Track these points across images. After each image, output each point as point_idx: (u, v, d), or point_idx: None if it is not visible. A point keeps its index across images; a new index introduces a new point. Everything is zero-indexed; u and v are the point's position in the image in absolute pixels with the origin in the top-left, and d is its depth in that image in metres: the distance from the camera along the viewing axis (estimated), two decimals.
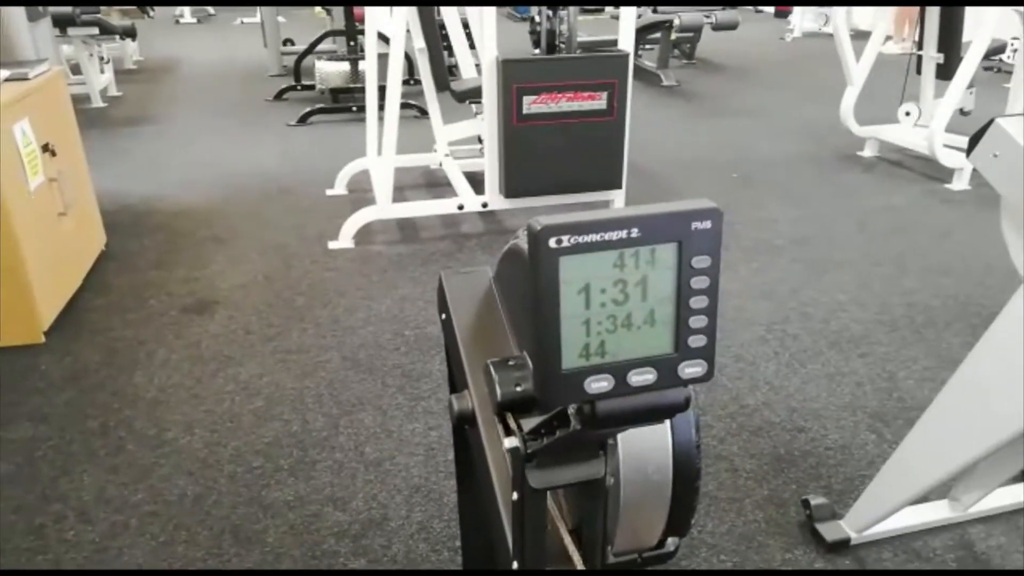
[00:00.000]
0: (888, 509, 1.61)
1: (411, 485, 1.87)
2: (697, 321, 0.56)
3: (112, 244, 3.27)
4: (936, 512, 1.76)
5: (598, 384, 0.55)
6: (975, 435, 1.43)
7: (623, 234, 0.52)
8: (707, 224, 0.53)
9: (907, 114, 4.40)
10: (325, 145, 4.89)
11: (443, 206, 3.46)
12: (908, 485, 1.55)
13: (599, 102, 3.13)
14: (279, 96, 6.12)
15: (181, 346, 2.51)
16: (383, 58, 3.55)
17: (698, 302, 0.55)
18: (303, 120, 5.38)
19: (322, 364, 2.40)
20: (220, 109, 5.85)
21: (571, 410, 0.61)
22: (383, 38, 3.89)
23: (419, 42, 3.59)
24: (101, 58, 6.16)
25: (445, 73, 3.69)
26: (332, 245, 3.32)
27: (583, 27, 3.81)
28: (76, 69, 5.94)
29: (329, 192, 4.00)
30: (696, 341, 0.56)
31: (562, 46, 3.82)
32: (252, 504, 1.80)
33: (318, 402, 2.20)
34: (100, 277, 3.00)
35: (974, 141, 1.43)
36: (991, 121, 1.39)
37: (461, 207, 3.40)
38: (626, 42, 3.21)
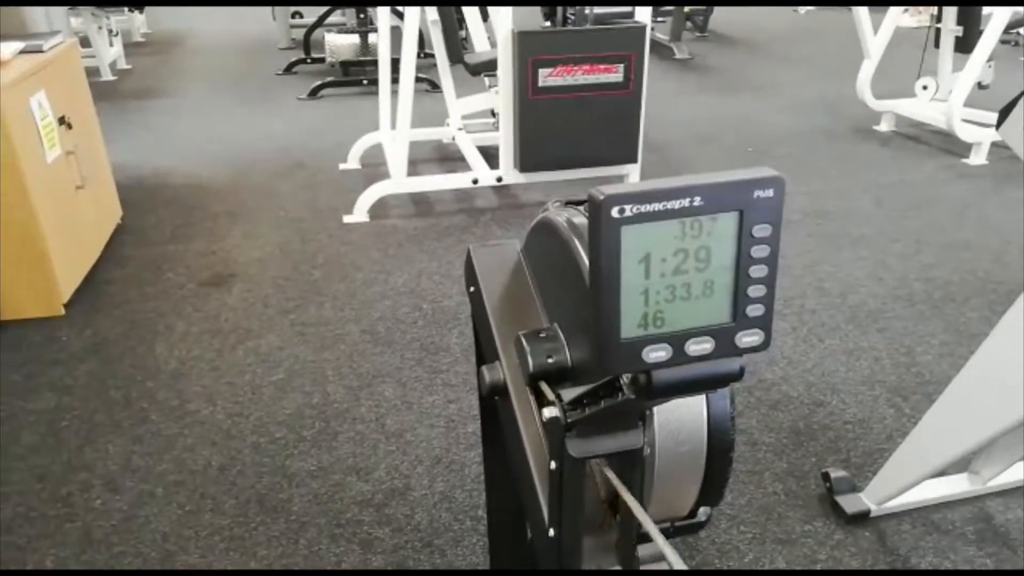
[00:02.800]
0: (908, 482, 1.62)
1: (432, 456, 1.88)
2: (756, 290, 0.55)
3: (128, 217, 3.28)
4: (955, 485, 1.77)
5: (656, 353, 0.55)
6: (997, 410, 1.44)
7: (685, 203, 0.52)
8: (769, 192, 0.53)
9: (924, 88, 4.34)
10: (336, 119, 4.86)
11: (457, 180, 3.45)
12: (929, 458, 1.56)
13: (615, 75, 3.10)
14: (289, 69, 6.08)
15: (200, 319, 2.53)
16: (395, 31, 3.52)
17: (757, 271, 0.55)
18: (314, 94, 5.36)
19: (341, 337, 2.42)
20: (230, 82, 5.82)
21: (625, 379, 0.61)
22: (396, 11, 3.86)
23: (432, 14, 3.56)
24: (110, 31, 6.13)
25: (459, 46, 3.66)
26: (347, 219, 3.32)
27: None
28: (85, 42, 5.90)
29: (342, 166, 3.99)
30: (754, 311, 0.56)
31: (572, 18, 3.78)
32: (276, 474, 1.83)
33: (338, 374, 2.22)
34: (117, 250, 3.01)
35: (1004, 113, 1.42)
36: (1022, 94, 1.37)
37: (475, 181, 3.39)
38: (643, 14, 3.17)
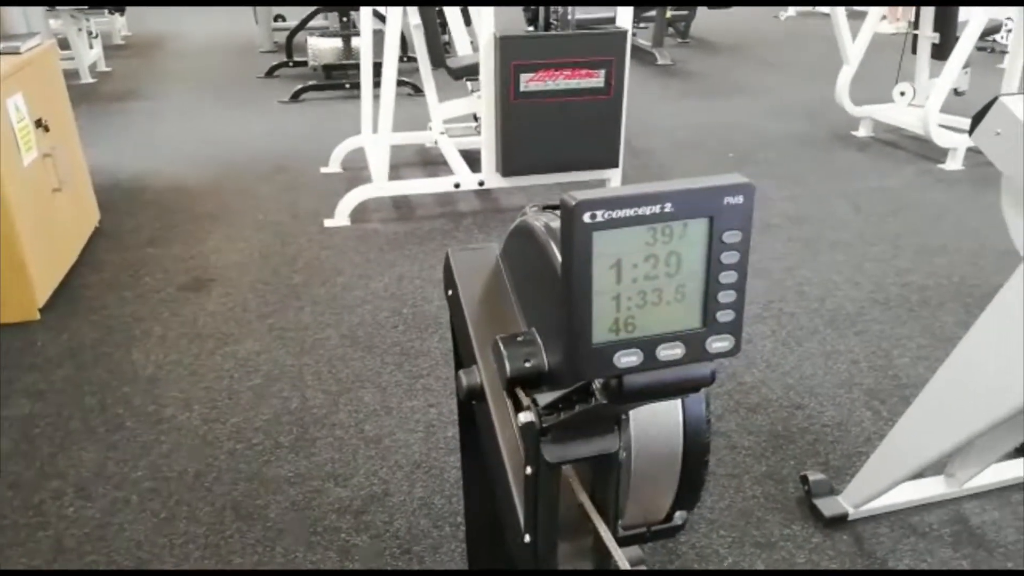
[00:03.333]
0: (886, 485, 1.63)
1: (412, 461, 1.87)
2: (726, 296, 0.56)
3: (105, 221, 3.24)
4: (932, 488, 1.78)
5: (627, 358, 0.55)
6: (973, 412, 1.45)
7: (656, 209, 0.52)
8: (739, 199, 0.53)
9: (902, 94, 4.39)
10: (318, 122, 4.84)
11: (439, 184, 3.44)
12: (906, 461, 1.57)
13: (596, 80, 3.11)
14: (271, 73, 6.05)
15: (177, 323, 2.50)
16: (378, 35, 3.52)
17: (727, 277, 0.55)
18: (295, 97, 5.33)
19: (320, 342, 2.40)
20: (211, 86, 5.78)
21: (596, 384, 0.61)
22: (378, 15, 3.85)
23: (415, 18, 3.56)
24: (89, 32, 6.07)
25: (441, 50, 3.66)
26: (328, 223, 3.30)
27: (578, 4, 3.79)
28: (64, 44, 5.84)
29: (323, 170, 3.97)
30: (724, 316, 0.56)
31: (555, 23, 3.79)
32: (253, 480, 1.81)
33: (317, 379, 2.20)
34: (94, 254, 2.98)
35: (977, 119, 1.43)
36: (994, 99, 1.39)
37: (457, 185, 3.38)
38: (624, 19, 3.18)
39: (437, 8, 3.71)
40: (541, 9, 3.47)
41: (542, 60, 3.03)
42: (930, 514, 1.75)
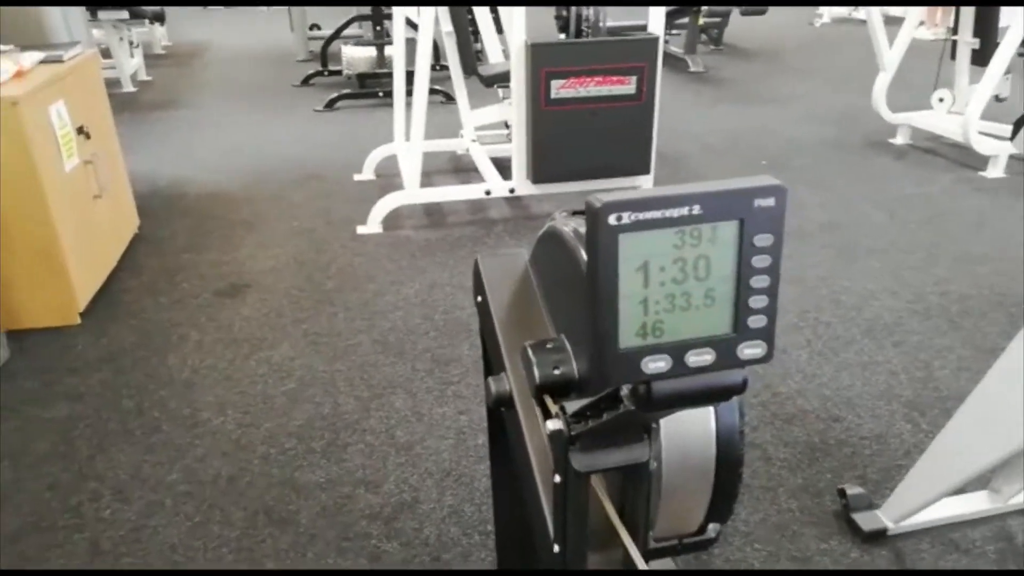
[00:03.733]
0: (927, 499, 1.59)
1: (442, 469, 1.87)
2: (757, 301, 0.54)
3: (144, 227, 3.30)
4: (975, 503, 1.73)
5: (655, 364, 0.54)
6: (1015, 427, 1.41)
7: (684, 211, 0.51)
8: (770, 201, 0.52)
9: (941, 100, 4.31)
10: (352, 130, 4.89)
11: (470, 191, 3.45)
12: (948, 475, 1.53)
13: (628, 87, 3.09)
14: (306, 81, 6.13)
15: (214, 328, 2.54)
16: (410, 43, 3.54)
17: (759, 281, 0.54)
18: (330, 105, 5.39)
19: (353, 347, 2.42)
20: (248, 94, 5.88)
21: (624, 391, 0.60)
22: (411, 23, 3.88)
23: (447, 26, 3.58)
24: (131, 42, 6.21)
25: (473, 58, 3.67)
26: (360, 230, 3.32)
27: (611, 12, 3.77)
28: (106, 53, 5.99)
29: (357, 177, 4.01)
30: (756, 321, 0.55)
31: (587, 31, 3.78)
32: (285, 486, 1.82)
33: (349, 385, 2.22)
34: (133, 259, 3.04)
35: (1019, 125, 1.39)
36: None
37: (488, 192, 3.39)
38: (656, 25, 3.17)
39: (469, 16, 3.73)
40: (572, 16, 3.47)
41: (573, 67, 3.03)
42: (973, 530, 1.70)
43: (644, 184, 3.46)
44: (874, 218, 3.41)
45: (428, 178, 3.87)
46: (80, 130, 2.67)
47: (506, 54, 3.69)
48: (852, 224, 3.34)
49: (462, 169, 4.16)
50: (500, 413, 1.03)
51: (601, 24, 3.44)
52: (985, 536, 1.69)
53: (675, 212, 0.51)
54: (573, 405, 0.74)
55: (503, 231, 3.34)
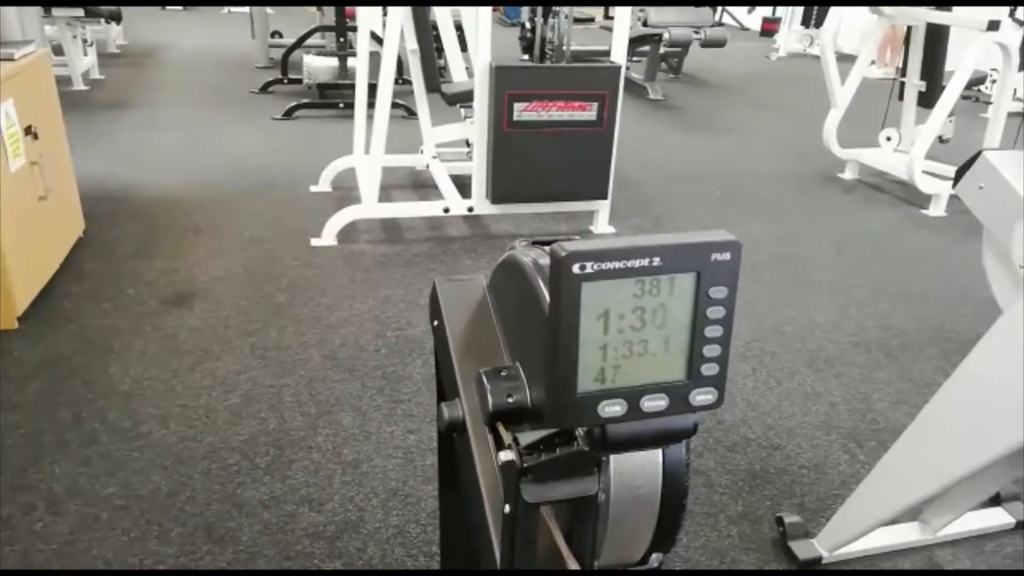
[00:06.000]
0: (861, 529, 1.63)
1: (388, 488, 1.86)
2: (711, 350, 0.57)
3: (90, 230, 3.22)
4: (906, 534, 1.79)
5: (611, 408, 0.56)
6: (950, 460, 1.46)
7: (645, 262, 0.53)
8: (726, 256, 0.54)
9: (888, 139, 4.48)
10: (310, 140, 4.85)
11: (429, 208, 3.45)
12: (881, 507, 1.58)
13: (589, 113, 3.14)
14: (265, 88, 6.06)
15: (158, 338, 2.48)
16: (374, 56, 3.54)
17: (713, 331, 0.56)
18: (288, 114, 5.34)
19: (302, 362, 2.38)
20: (204, 99, 5.79)
21: (580, 431, 0.62)
22: (375, 37, 3.88)
23: (411, 43, 3.59)
24: (84, 40, 6.07)
25: (436, 75, 3.69)
26: (315, 242, 3.29)
27: (574, 36, 3.84)
28: (58, 50, 5.84)
29: (313, 188, 3.97)
30: (709, 369, 0.57)
31: (551, 53, 3.83)
32: (226, 502, 1.78)
33: (296, 401, 2.19)
34: (77, 264, 2.95)
35: (960, 172, 1.46)
36: (978, 154, 1.42)
37: (447, 210, 3.39)
38: (619, 54, 3.23)
39: (434, 32, 3.75)
40: (537, 38, 3.51)
41: (537, 91, 3.06)
42: (904, 560, 1.76)
43: (601, 209, 3.51)
44: (823, 251, 3.52)
45: (386, 193, 3.85)
46: (28, 130, 2.60)
47: (470, 72, 3.72)
48: (801, 257, 3.43)
49: (421, 185, 4.15)
50: (452, 437, 1.03)
51: (565, 48, 3.49)
52: (914, 566, 1.74)
53: (636, 263, 0.53)
54: (527, 436, 0.75)
55: (460, 249, 3.34)
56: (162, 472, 1.87)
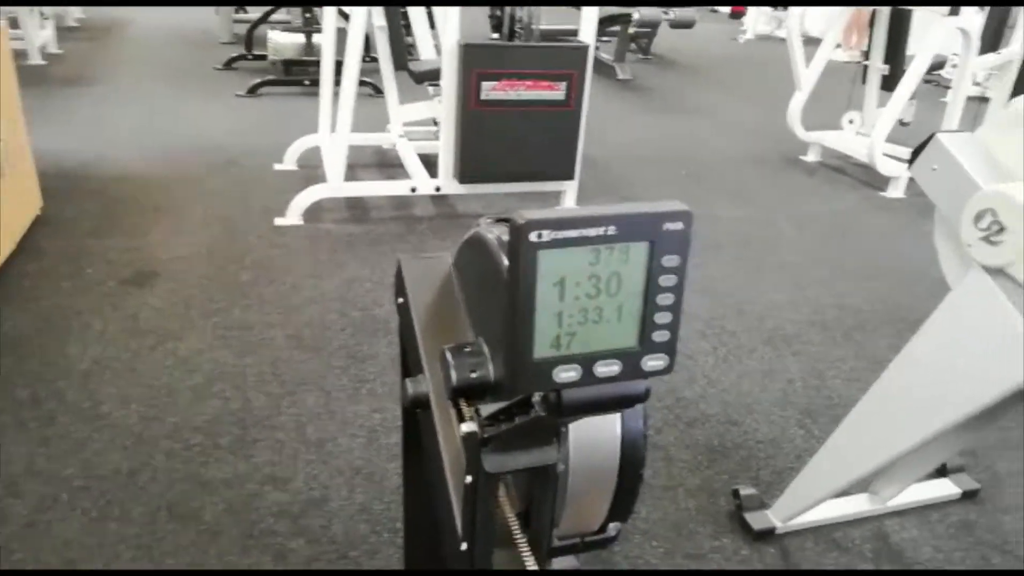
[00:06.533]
0: (813, 501, 1.68)
1: (353, 467, 1.87)
2: (662, 317, 0.58)
3: (48, 208, 3.15)
4: (856, 505, 1.85)
5: (566, 374, 0.58)
6: (898, 433, 1.51)
7: (600, 231, 0.55)
8: (679, 225, 0.56)
9: (850, 122, 4.55)
10: (275, 118, 4.79)
11: (396, 187, 3.44)
12: (833, 479, 1.63)
13: (557, 92, 3.14)
14: (229, 64, 5.95)
15: (118, 317, 2.45)
16: (341, 33, 3.50)
17: (664, 299, 0.58)
18: (253, 91, 5.26)
19: (265, 342, 2.37)
20: (166, 74, 5.66)
21: (536, 398, 0.63)
22: (342, 13, 3.83)
23: (379, 19, 3.55)
24: (41, 13, 5.89)
25: (404, 53, 3.66)
26: (279, 221, 3.26)
27: (543, 14, 3.84)
28: (14, 23, 5.66)
29: (277, 166, 3.93)
30: (660, 336, 0.59)
31: (520, 32, 3.81)
32: (189, 481, 1.78)
33: (260, 380, 2.18)
34: (34, 242, 2.89)
35: (915, 154, 1.50)
36: (932, 136, 1.46)
37: (414, 189, 3.38)
38: (587, 34, 3.23)
39: (402, 9, 3.71)
40: (506, 16, 3.50)
41: (505, 70, 3.05)
42: (853, 530, 1.82)
43: (569, 189, 3.52)
44: (784, 232, 3.58)
45: (352, 171, 3.82)
46: None
47: (438, 50, 3.69)
48: (763, 237, 3.49)
49: (387, 164, 4.13)
50: (415, 414, 1.04)
51: (534, 27, 3.48)
52: (864, 536, 1.81)
53: (592, 232, 0.55)
54: (488, 408, 0.76)
55: (427, 229, 3.34)
56: (123, 452, 1.85)
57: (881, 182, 4.22)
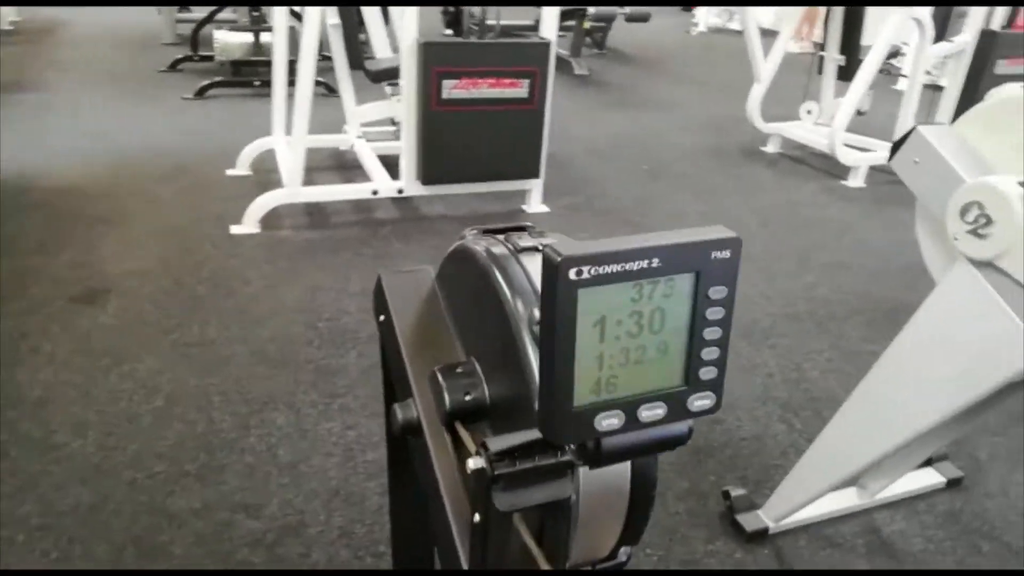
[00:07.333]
0: (805, 499, 1.66)
1: (329, 488, 1.78)
2: (709, 353, 0.53)
3: None
4: (845, 500, 1.84)
5: (609, 421, 0.53)
6: (890, 430, 1.49)
7: (643, 264, 0.50)
8: (726, 254, 0.51)
9: (808, 112, 4.59)
10: (225, 121, 4.63)
11: (357, 191, 3.34)
12: (824, 477, 1.61)
13: (520, 90, 3.09)
14: (174, 67, 5.76)
15: (69, 339, 2.31)
16: (291, 31, 3.38)
17: (711, 333, 0.53)
18: (201, 93, 5.08)
19: (228, 359, 2.26)
20: (108, 78, 5.44)
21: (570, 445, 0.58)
22: (293, 12, 3.71)
23: (333, 18, 3.44)
24: None
25: (359, 52, 3.56)
26: (235, 229, 3.14)
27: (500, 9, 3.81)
28: None
29: (230, 172, 3.79)
30: (707, 373, 0.54)
31: (475, 28, 3.75)
32: (155, 513, 1.67)
33: (225, 400, 2.07)
34: None
35: (896, 147, 1.48)
36: (913, 128, 1.44)
37: (375, 192, 3.29)
38: (549, 30, 3.17)
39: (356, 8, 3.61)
40: (465, 14, 3.43)
41: (466, 68, 2.98)
42: (844, 525, 1.80)
43: (534, 188, 3.47)
44: (749, 225, 3.58)
45: (309, 175, 3.69)
46: None
47: (394, 48, 3.60)
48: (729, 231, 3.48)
49: (345, 166, 4.02)
50: (403, 439, 0.97)
51: (494, 22, 3.42)
52: (855, 531, 1.79)
53: (635, 265, 0.50)
54: (496, 442, 0.70)
55: (390, 233, 3.25)
56: (82, 486, 1.74)
57: (842, 171, 4.26)
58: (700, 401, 0.55)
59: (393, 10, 3.19)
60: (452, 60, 2.98)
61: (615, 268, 0.49)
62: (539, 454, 0.64)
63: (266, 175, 3.68)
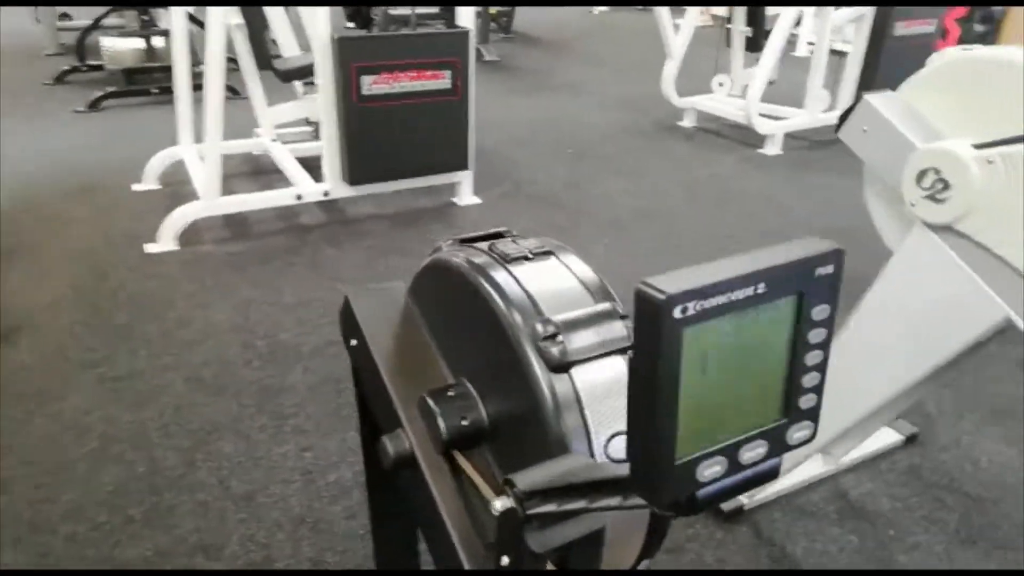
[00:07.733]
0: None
1: (293, 517, 1.68)
2: (810, 379, 0.48)
3: None
4: (812, 468, 1.86)
5: (711, 470, 0.47)
6: (857, 399, 1.51)
7: (749, 291, 0.44)
8: (829, 268, 0.46)
9: (720, 85, 4.66)
10: (124, 133, 4.34)
11: (279, 197, 3.17)
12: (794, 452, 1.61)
13: (443, 81, 3.00)
14: (61, 79, 5.36)
15: None
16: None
17: (813, 358, 0.48)
18: (95, 105, 4.75)
19: (161, 389, 2.11)
20: None
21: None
22: (193, 17, 3.50)
23: (235, 18, 3.25)
24: None
25: (267, 51, 3.38)
26: (150, 248, 2.94)
27: None
28: None
29: (136, 187, 3.55)
30: (807, 402, 0.49)
31: (376, 18, 3.62)
32: (105, 566, 1.53)
33: (165, 434, 1.92)
34: None
35: (843, 118, 1.48)
36: (860, 97, 1.44)
37: (299, 197, 3.14)
38: (466, 19, 3.09)
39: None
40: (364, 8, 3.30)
41: (385, 61, 2.87)
42: (814, 493, 1.82)
43: (464, 180, 3.39)
44: (677, 201, 3.60)
45: (225, 184, 3.48)
46: None
47: (301, 46, 3.44)
48: (660, 210, 3.50)
49: (262, 172, 3.83)
50: (381, 469, 0.89)
51: (401, 13, 3.31)
52: (824, 497, 1.81)
53: (740, 294, 0.44)
54: (523, 478, 0.63)
55: (319, 239, 3.11)
56: (15, 547, 1.57)
57: (756, 140, 4.35)
58: (799, 433, 0.50)
59: (304, 10, 3.02)
60: (370, 55, 2.86)
61: (721, 300, 0.44)
62: (592, 492, 0.57)
63: (177, 187, 3.47)
